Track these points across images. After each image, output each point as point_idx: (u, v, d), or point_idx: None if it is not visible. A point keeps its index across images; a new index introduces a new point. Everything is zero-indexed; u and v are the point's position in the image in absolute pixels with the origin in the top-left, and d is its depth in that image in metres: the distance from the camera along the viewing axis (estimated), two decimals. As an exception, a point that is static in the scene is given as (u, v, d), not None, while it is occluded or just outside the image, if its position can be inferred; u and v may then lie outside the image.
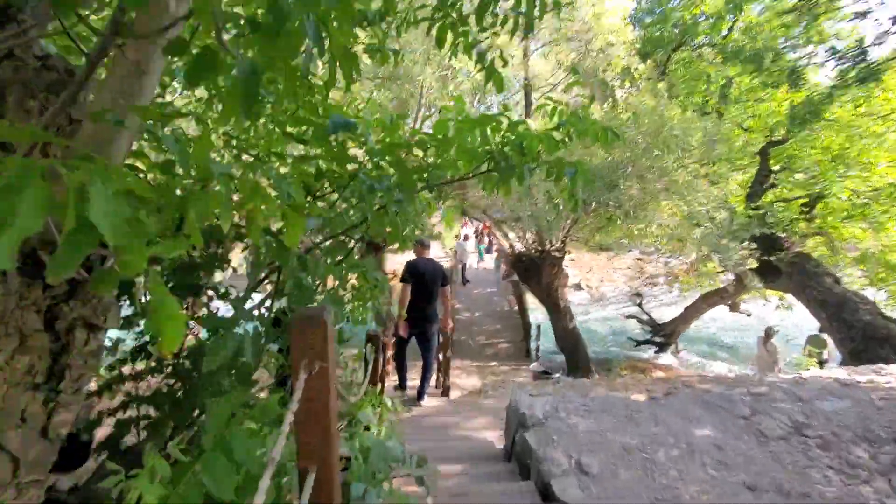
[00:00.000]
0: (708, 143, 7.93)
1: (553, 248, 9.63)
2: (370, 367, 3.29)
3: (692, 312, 12.51)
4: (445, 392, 5.53)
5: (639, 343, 13.74)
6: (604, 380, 9.44)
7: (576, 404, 3.58)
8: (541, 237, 9.80)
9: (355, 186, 2.07)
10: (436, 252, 25.47)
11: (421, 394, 5.21)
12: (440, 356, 5.99)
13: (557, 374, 7.81)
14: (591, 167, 7.63)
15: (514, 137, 2.33)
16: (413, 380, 5.67)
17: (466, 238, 19.08)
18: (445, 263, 23.17)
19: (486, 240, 21.64)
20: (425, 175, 2.48)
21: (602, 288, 21.86)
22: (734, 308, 14.04)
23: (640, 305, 13.23)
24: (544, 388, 6.18)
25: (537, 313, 12.47)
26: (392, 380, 5.59)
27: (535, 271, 9.90)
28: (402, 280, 4.85)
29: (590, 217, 9.08)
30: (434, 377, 6.94)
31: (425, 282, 4.84)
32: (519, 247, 10.97)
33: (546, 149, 2.34)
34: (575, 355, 10.35)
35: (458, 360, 9.82)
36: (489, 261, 20.76)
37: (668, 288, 22.16)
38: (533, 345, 10.90)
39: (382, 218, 1.99)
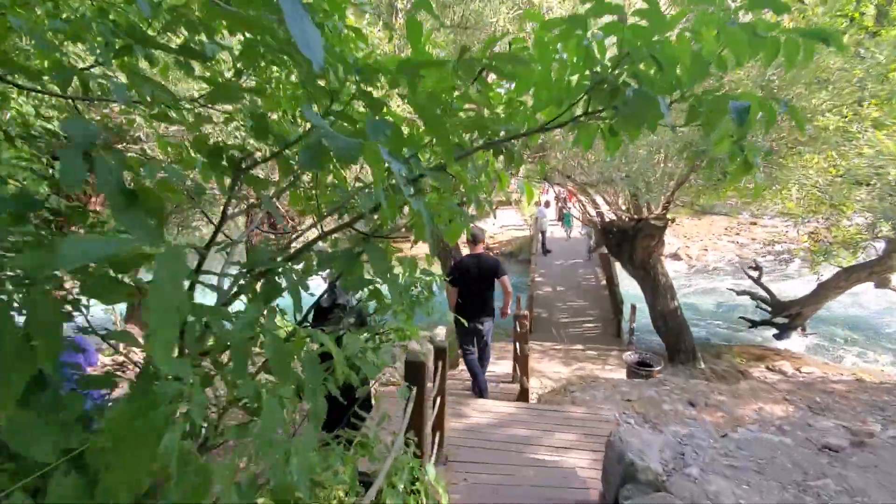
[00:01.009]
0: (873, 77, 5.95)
1: (652, 215, 8.15)
2: (408, 409, 2.49)
3: (829, 289, 10.28)
4: (523, 395, 4.68)
5: (755, 324, 11.75)
6: (723, 382, 7.95)
7: (712, 451, 2.52)
8: (637, 203, 8.34)
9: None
10: (514, 220, 24.28)
11: (482, 390, 4.80)
12: (517, 351, 5.12)
13: (658, 367, 6.59)
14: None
15: (641, 46, 1.29)
16: (489, 382, 5.15)
17: (547, 204, 17.63)
18: (526, 232, 22.06)
19: (568, 207, 19.98)
20: (488, 132, 1.62)
21: (705, 257, 19.35)
22: (882, 284, 11.43)
23: (757, 280, 11.19)
24: (645, 391, 5.09)
25: (629, 287, 11.05)
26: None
27: (629, 243, 8.52)
28: (450, 282, 4.38)
29: (700, 177, 7.46)
30: (510, 373, 6.12)
31: (473, 281, 4.39)
32: (609, 215, 9.57)
33: (687, 73, 1.32)
34: (677, 340, 8.93)
35: (537, 342, 8.88)
36: (576, 230, 19.19)
37: (787, 259, 19.17)
38: (625, 326, 9.60)
39: (394, 202, 1.11)
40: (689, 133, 6.07)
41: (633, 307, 8.50)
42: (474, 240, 4.53)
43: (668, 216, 8.25)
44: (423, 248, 1.41)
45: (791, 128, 5.81)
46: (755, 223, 24.22)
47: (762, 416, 4.61)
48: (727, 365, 9.53)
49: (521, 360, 4.62)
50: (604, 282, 12.35)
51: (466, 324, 4.42)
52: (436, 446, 3.30)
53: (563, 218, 16.23)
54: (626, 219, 8.51)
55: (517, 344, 5.40)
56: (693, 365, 8.90)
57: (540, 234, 15.08)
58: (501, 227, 23.32)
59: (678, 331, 8.93)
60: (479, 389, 4.81)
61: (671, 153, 6.57)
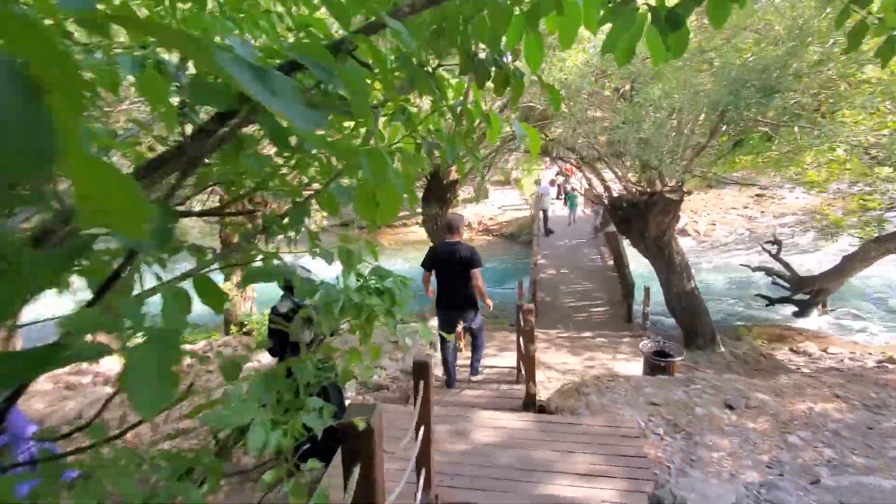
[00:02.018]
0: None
1: (667, 187, 7.35)
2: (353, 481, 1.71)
3: (854, 262, 9.51)
4: (530, 403, 3.96)
5: (772, 302, 11.04)
6: (750, 369, 7.25)
7: (798, 496, 1.78)
8: (649, 175, 7.53)
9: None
10: (513, 200, 23.43)
11: (474, 368, 4.90)
12: (521, 349, 4.41)
13: (679, 357, 5.88)
14: (737, 68, 5.22)
15: None
16: (462, 371, 5.06)
17: (552, 182, 16.76)
18: (526, 212, 21.23)
19: (568, 186, 19.08)
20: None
21: (714, 232, 18.56)
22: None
23: (776, 255, 10.43)
24: (672, 392, 4.38)
25: (637, 268, 10.30)
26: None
27: (641, 220, 7.73)
28: (422, 266, 4.42)
29: (718, 141, 6.64)
30: (512, 374, 5.44)
31: (446, 271, 4.28)
32: (618, 190, 8.76)
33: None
34: (694, 323, 8.22)
35: (541, 329, 8.17)
36: (580, 211, 18.37)
37: (799, 232, 18.39)
38: (637, 310, 8.88)
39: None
40: (717, 91, 5.24)
41: (647, 289, 7.76)
42: (450, 228, 4.33)
43: (685, 188, 7.45)
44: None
45: (839, 77, 4.98)
46: (762, 195, 23.42)
47: (814, 419, 3.90)
48: (748, 348, 8.84)
49: (526, 363, 3.89)
50: (611, 262, 11.59)
51: (445, 311, 4.43)
52: (422, 483, 2.58)
53: (567, 199, 15.22)
54: (638, 192, 7.71)
55: (521, 341, 4.67)
56: (712, 349, 8.21)
57: (541, 214, 14.26)
58: (500, 207, 22.49)
59: (695, 313, 8.22)
60: (447, 379, 4.81)
61: (692, 116, 5.73)
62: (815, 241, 17.23)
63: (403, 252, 19.47)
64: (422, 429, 2.44)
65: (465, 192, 24.58)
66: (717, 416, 3.85)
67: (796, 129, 5.26)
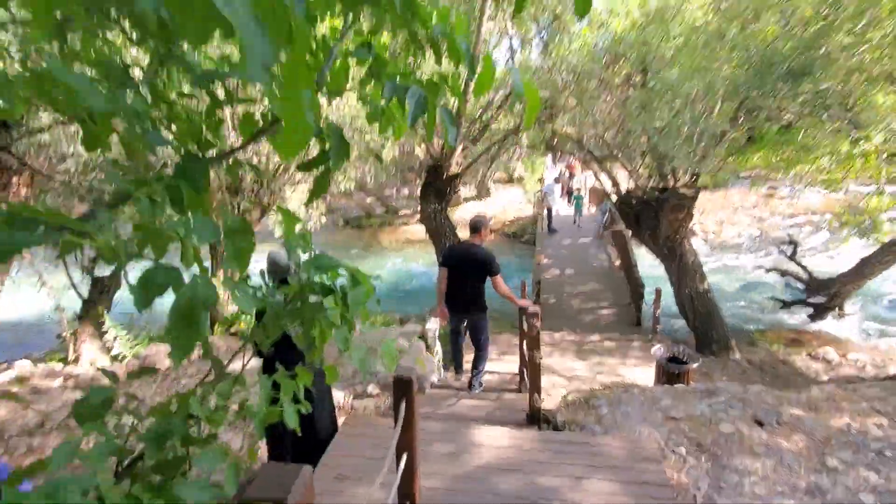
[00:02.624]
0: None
1: (680, 182, 6.92)
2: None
3: (874, 264, 9.04)
4: (534, 416, 3.53)
5: (787, 305, 10.57)
6: (777, 382, 6.76)
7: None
8: (661, 169, 7.09)
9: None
10: (516, 198, 22.99)
11: (472, 384, 4.65)
12: (524, 355, 3.99)
13: (695, 364, 5.45)
14: (763, 50, 4.78)
15: None
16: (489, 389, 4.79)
17: (557, 180, 16.28)
18: (529, 211, 20.77)
19: (573, 184, 18.61)
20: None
21: (722, 233, 18.06)
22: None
23: (792, 256, 9.97)
24: (693, 404, 3.94)
25: (644, 269, 9.84)
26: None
27: (652, 217, 7.30)
28: (439, 263, 4.41)
29: (734, 134, 6.19)
30: (513, 383, 5.03)
31: (458, 272, 4.21)
32: (626, 185, 8.32)
33: None
34: (707, 327, 7.78)
35: (546, 331, 7.74)
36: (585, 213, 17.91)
37: (810, 232, 17.89)
38: (647, 311, 8.44)
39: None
40: (739, 75, 4.79)
41: (658, 291, 7.32)
42: (472, 227, 4.23)
43: (699, 183, 7.01)
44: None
45: (871, 61, 4.53)
46: (771, 195, 22.87)
47: (853, 437, 3.46)
48: (764, 353, 8.39)
49: (531, 372, 3.46)
50: (618, 262, 11.14)
51: (453, 309, 4.37)
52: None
53: (572, 199, 14.56)
54: (650, 188, 7.27)
55: (524, 347, 4.25)
56: (727, 355, 7.77)
57: (545, 212, 13.82)
58: (503, 206, 22.06)
59: (708, 316, 7.78)
60: (454, 365, 4.96)
61: (708, 104, 5.29)
62: (827, 242, 16.77)
63: (403, 250, 19.07)
64: (405, 456, 2.02)
65: (467, 189, 24.18)
66: (747, 433, 3.42)
67: (825, 115, 4.81)
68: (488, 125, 7.78)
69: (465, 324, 4.54)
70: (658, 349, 5.89)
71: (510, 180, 25.89)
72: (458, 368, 5.05)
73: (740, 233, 18.14)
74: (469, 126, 7.90)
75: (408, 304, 13.72)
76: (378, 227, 22.61)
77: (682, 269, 7.64)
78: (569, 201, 17.87)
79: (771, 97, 4.62)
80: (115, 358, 7.40)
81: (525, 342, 3.88)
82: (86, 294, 9.65)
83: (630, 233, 10.75)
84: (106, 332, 7.00)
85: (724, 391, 4.04)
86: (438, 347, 6.24)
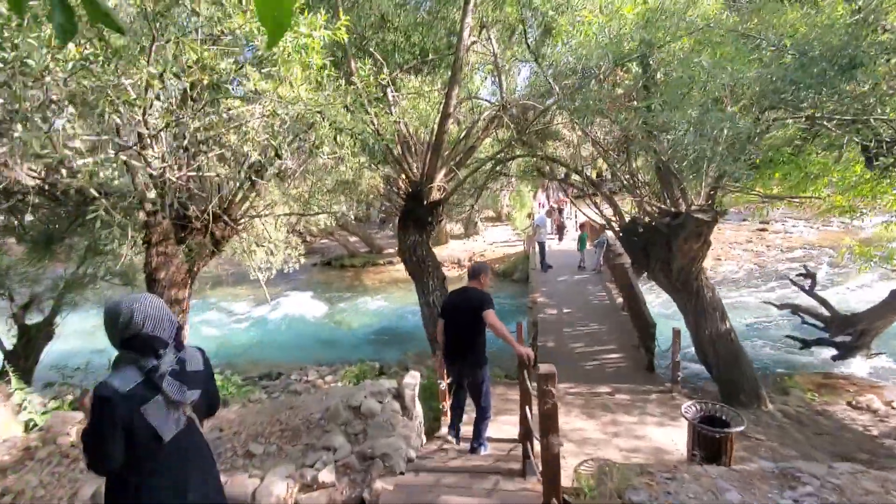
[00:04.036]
0: None
1: (696, 206, 6.03)
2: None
3: (905, 298, 8.14)
4: (552, 490, 2.36)
5: (808, 344, 9.57)
6: (826, 440, 5.57)
7: None
8: (671, 192, 6.23)
9: None
10: (503, 236, 22.19)
11: (474, 447, 4.10)
12: (541, 445, 2.88)
13: (740, 427, 4.34)
14: (802, 41, 3.99)
15: None
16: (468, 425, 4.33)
17: (550, 213, 15.39)
18: (518, 248, 19.90)
19: (564, 219, 17.89)
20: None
21: (720, 268, 17.25)
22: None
23: (810, 290, 9.07)
24: (775, 499, 2.77)
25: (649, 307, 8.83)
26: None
27: (664, 247, 6.36)
28: (440, 316, 4.12)
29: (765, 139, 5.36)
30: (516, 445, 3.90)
31: (452, 319, 3.93)
32: (629, 213, 7.45)
33: None
34: (734, 374, 6.70)
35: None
36: (567, 243, 17.08)
37: (812, 266, 17.20)
38: (660, 354, 7.35)
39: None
40: (774, 70, 3.97)
41: (677, 332, 6.26)
42: (472, 273, 4.03)
43: (716, 206, 6.14)
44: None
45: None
46: (765, 229, 22.40)
47: None
48: (798, 403, 7.28)
49: (546, 462, 2.33)
50: (620, 300, 10.12)
51: (451, 362, 4.07)
52: None
53: (578, 240, 13.03)
54: (659, 213, 6.37)
55: (527, 411, 3.15)
56: (758, 406, 6.66)
57: (537, 247, 12.89)
58: (491, 244, 21.19)
59: (734, 362, 6.71)
60: (455, 432, 4.33)
61: (733, 106, 4.44)
62: (831, 276, 16.03)
63: (386, 291, 17.90)
64: None
65: (454, 227, 23.36)
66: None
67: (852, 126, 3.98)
68: (473, 148, 6.92)
69: (446, 383, 4.26)
70: (690, 407, 4.77)
71: (498, 218, 25.23)
72: (454, 431, 4.36)
73: (739, 268, 17.37)
74: (452, 148, 7.04)
75: (390, 349, 12.45)
76: (361, 267, 21.49)
77: (699, 306, 6.65)
78: (559, 237, 17.07)
79: (815, 93, 3.78)
80: (27, 426, 6.07)
81: (525, 400, 2.77)
82: (10, 344, 8.33)
83: (632, 267, 9.84)
84: (12, 394, 5.68)
85: (808, 475, 2.92)
86: (418, 409, 5.05)
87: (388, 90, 6.68)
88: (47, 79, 2.33)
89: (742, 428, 4.42)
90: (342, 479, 3.58)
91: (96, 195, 4.28)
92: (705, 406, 4.90)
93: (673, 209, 6.10)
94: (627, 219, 7.29)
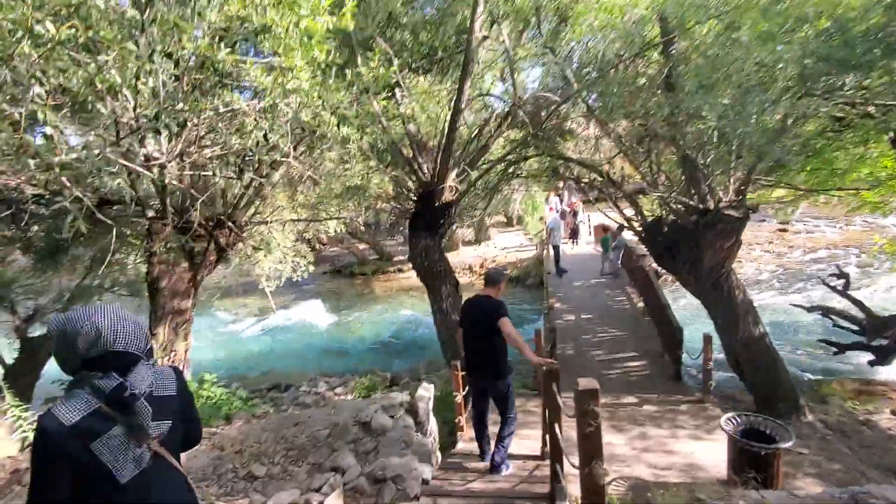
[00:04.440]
0: None
1: (725, 202, 5.65)
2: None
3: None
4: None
5: (842, 349, 9.04)
6: (875, 453, 5.13)
7: None
8: (698, 188, 5.85)
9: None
10: (515, 242, 21.81)
11: (496, 463, 3.91)
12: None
13: (789, 443, 3.94)
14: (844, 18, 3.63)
15: None
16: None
17: (565, 215, 14.95)
18: (530, 253, 19.50)
19: (579, 222, 17.45)
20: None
21: (742, 270, 16.67)
22: None
23: (844, 292, 8.58)
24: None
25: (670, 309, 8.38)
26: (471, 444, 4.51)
27: (692, 246, 5.98)
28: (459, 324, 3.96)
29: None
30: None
31: (470, 328, 3.80)
32: (652, 210, 7.07)
33: None
34: (769, 382, 6.26)
35: (565, 393, 6.19)
36: (583, 245, 16.65)
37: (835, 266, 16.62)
38: (690, 363, 6.93)
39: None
40: (820, 46, 3.61)
41: (708, 338, 5.84)
42: (488, 280, 3.90)
43: (749, 200, 5.75)
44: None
45: None
46: (785, 230, 21.73)
47: None
48: (839, 412, 6.79)
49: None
50: (641, 304, 9.70)
51: (472, 373, 3.92)
52: None
53: (601, 243, 12.40)
54: (686, 210, 6.00)
55: (555, 429, 2.80)
56: (797, 417, 6.19)
57: (552, 250, 12.51)
58: (503, 249, 20.83)
59: (769, 368, 6.27)
60: (481, 452, 4.17)
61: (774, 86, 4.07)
62: (858, 277, 15.37)
63: (397, 298, 17.60)
64: None
65: (465, 232, 23.04)
66: None
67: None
68: (487, 146, 6.62)
69: (488, 396, 3.98)
70: (729, 420, 4.37)
71: (509, 223, 24.87)
72: (481, 449, 4.21)
73: (762, 269, 16.79)
74: (464, 148, 6.74)
75: (402, 358, 12.11)
76: (371, 275, 21.24)
77: (729, 309, 6.23)
78: (573, 241, 16.65)
79: (862, 74, 3.42)
80: (23, 444, 5.84)
81: (551, 413, 2.42)
82: (11, 359, 8.15)
83: (653, 270, 9.42)
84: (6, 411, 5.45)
85: (883, 501, 2.53)
86: (433, 423, 4.72)
87: (396, 90, 6.43)
88: (16, 61, 2.08)
89: (791, 443, 4.02)
90: (352, 502, 3.26)
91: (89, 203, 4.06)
92: (746, 418, 4.50)
93: (701, 206, 5.72)
94: (650, 219, 6.92)
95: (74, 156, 3.31)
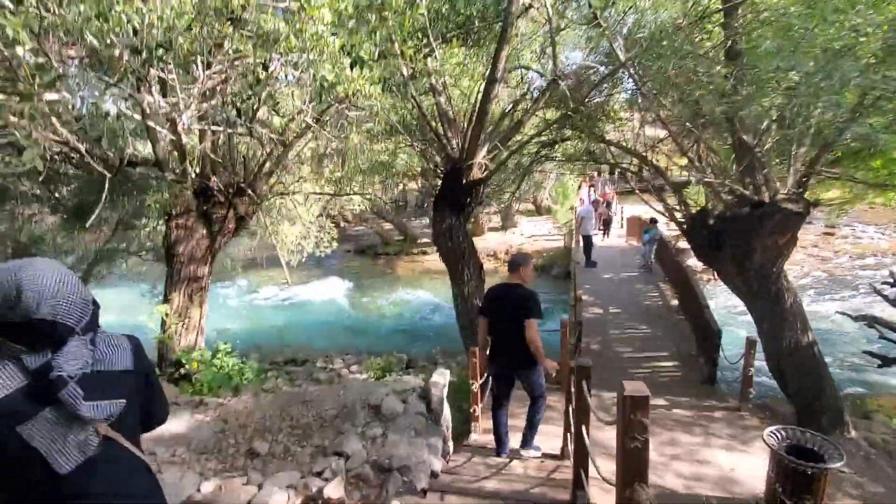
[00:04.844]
0: None
1: (784, 194, 5.11)
2: None
3: None
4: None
5: (887, 362, 8.34)
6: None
7: None
8: (753, 177, 5.31)
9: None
10: (542, 230, 21.23)
11: (527, 441, 3.94)
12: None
13: (839, 463, 3.50)
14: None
15: None
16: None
17: (596, 205, 14.33)
18: (557, 243, 18.91)
19: (610, 212, 16.76)
20: None
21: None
22: None
23: (892, 298, 7.87)
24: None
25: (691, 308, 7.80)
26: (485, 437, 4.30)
27: (742, 241, 5.47)
28: (479, 312, 3.85)
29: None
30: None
31: (498, 317, 3.64)
32: (694, 203, 6.54)
33: None
34: (814, 393, 5.75)
35: (594, 392, 5.82)
36: (614, 237, 16.00)
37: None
38: (728, 368, 6.46)
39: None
40: None
41: (752, 342, 5.34)
42: (512, 265, 3.73)
43: (809, 195, 5.20)
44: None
45: None
46: (831, 234, 20.45)
47: None
48: (884, 429, 6.23)
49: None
50: (675, 302, 9.18)
51: (496, 362, 3.81)
52: None
53: (645, 233, 11.34)
54: (737, 201, 5.47)
55: (582, 430, 2.47)
56: (840, 433, 5.68)
57: (582, 240, 11.99)
58: (530, 237, 20.32)
59: (815, 379, 5.76)
60: (497, 447, 3.98)
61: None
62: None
63: (419, 281, 17.39)
64: None
65: (491, 220, 22.57)
66: None
67: None
68: (521, 123, 6.19)
69: (512, 385, 3.88)
70: (773, 433, 3.93)
71: (537, 211, 24.23)
72: (500, 445, 3.99)
73: (805, 274, 15.81)
74: (496, 124, 6.34)
75: (419, 342, 11.92)
76: (395, 255, 21.09)
77: (777, 312, 5.71)
78: (605, 232, 15.99)
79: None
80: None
81: (577, 413, 2.09)
82: None
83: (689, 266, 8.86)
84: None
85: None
86: (447, 412, 4.45)
87: (429, 60, 6.07)
88: None
89: (841, 463, 3.57)
90: (353, 493, 3.02)
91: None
92: (792, 433, 4.05)
93: (756, 197, 5.19)
94: (693, 209, 6.40)
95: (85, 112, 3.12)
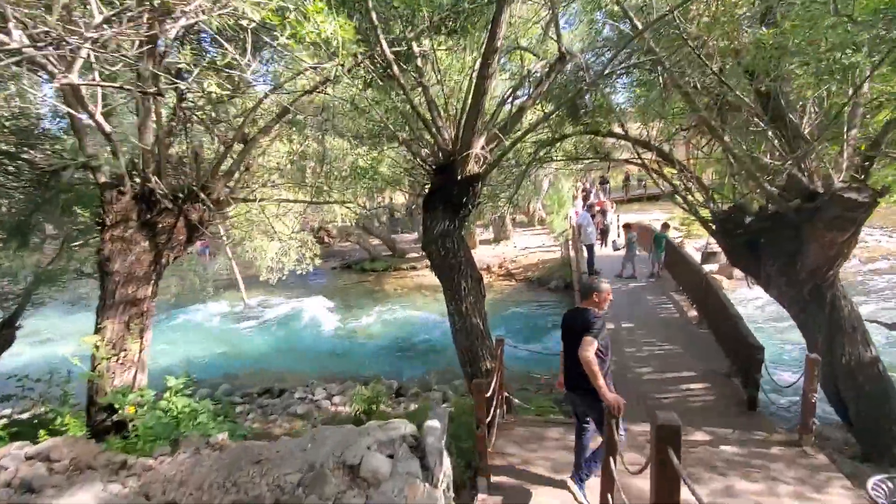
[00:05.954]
0: None
1: (842, 182, 4.26)
2: None
3: None
4: None
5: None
6: None
7: None
8: (800, 161, 4.46)
9: None
10: (536, 242, 20.41)
11: (575, 471, 3.70)
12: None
13: None
14: None
15: None
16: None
17: (592, 212, 13.55)
18: (554, 255, 18.03)
19: (602, 220, 15.92)
20: None
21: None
22: None
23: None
24: None
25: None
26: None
27: (787, 242, 4.60)
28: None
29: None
30: None
31: (568, 343, 3.49)
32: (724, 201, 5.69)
33: None
34: (881, 419, 4.83)
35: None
36: (611, 248, 15.14)
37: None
38: (769, 390, 5.52)
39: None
40: None
41: (814, 361, 4.39)
42: (582, 291, 3.64)
43: (872, 182, 4.36)
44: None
45: None
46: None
47: None
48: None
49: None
50: (693, 312, 8.28)
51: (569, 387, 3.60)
52: None
53: (654, 241, 10.53)
54: (783, 193, 4.61)
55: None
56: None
57: (584, 249, 11.11)
58: (524, 249, 19.46)
59: (881, 402, 4.84)
60: (577, 476, 3.66)
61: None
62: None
63: (409, 298, 16.34)
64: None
65: (484, 232, 21.71)
66: None
67: None
68: (522, 110, 5.32)
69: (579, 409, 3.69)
70: (880, 484, 2.99)
71: (530, 223, 23.45)
72: (578, 470, 3.72)
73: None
74: (495, 110, 5.47)
75: (411, 364, 10.84)
76: (382, 271, 20.06)
77: (835, 323, 4.83)
78: (602, 241, 15.15)
79: None
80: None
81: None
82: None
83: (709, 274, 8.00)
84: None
85: None
86: (447, 465, 3.45)
87: (414, 44, 5.22)
88: None
89: None
90: None
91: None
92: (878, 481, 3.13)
93: (810, 187, 4.33)
94: (724, 207, 5.55)
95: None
